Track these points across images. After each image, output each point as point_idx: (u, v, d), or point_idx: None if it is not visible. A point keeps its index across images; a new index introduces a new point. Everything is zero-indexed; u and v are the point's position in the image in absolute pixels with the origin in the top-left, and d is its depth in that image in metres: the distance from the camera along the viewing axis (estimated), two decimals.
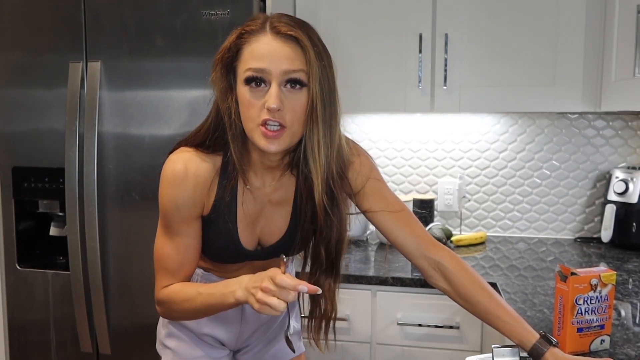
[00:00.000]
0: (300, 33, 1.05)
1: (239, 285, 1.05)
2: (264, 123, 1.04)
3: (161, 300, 1.18)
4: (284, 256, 1.04)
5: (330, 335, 1.21)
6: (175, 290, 1.16)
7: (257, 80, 1.04)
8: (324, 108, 1.07)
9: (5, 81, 1.95)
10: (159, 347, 1.38)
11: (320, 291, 1.00)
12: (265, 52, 1.04)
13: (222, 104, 1.10)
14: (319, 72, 1.05)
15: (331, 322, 1.21)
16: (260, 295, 0.98)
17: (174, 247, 1.16)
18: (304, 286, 0.98)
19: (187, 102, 1.81)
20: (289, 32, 1.04)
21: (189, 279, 1.20)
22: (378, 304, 1.82)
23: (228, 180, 1.13)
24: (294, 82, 1.05)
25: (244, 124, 1.08)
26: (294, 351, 1.11)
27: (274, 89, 1.03)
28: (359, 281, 1.80)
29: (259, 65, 1.04)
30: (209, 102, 1.16)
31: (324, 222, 1.13)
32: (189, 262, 1.17)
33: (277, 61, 1.03)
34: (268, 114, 1.03)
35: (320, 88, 1.05)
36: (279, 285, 0.97)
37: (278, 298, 0.97)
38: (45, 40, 1.90)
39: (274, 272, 0.99)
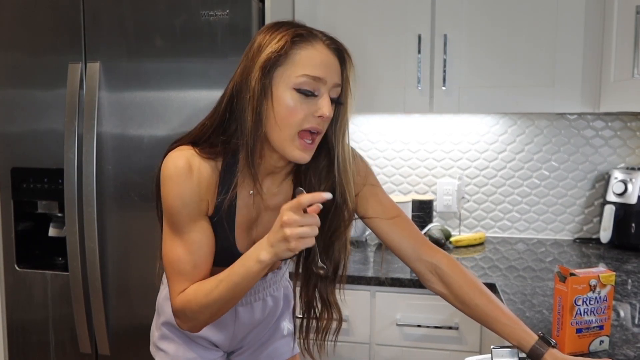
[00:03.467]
0: (345, 49, 1.11)
1: (260, 249, 1.01)
2: (307, 130, 1.06)
3: (178, 307, 1.10)
4: (301, 189, 1.01)
5: (329, 339, 1.22)
6: (192, 291, 1.09)
7: (309, 89, 1.05)
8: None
9: (4, 82, 1.95)
10: (152, 349, 1.37)
11: (330, 195, 0.99)
12: (325, 61, 1.06)
13: (258, 106, 1.06)
14: (354, 88, 1.11)
15: (337, 326, 1.21)
16: (288, 231, 0.95)
17: (184, 247, 1.10)
18: (323, 195, 0.97)
19: (186, 103, 1.81)
20: (340, 47, 1.10)
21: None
22: (377, 305, 1.82)
23: (230, 184, 1.11)
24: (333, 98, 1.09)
25: (282, 130, 1.06)
26: (323, 269, 1.06)
27: (326, 99, 1.06)
28: (357, 282, 1.80)
29: (319, 74, 1.05)
30: (210, 103, 1.15)
31: (348, 228, 1.16)
32: (203, 262, 1.11)
33: (331, 73, 1.07)
34: (317, 121, 1.06)
35: (351, 103, 1.12)
36: (299, 207, 0.96)
37: (306, 225, 0.95)
38: (45, 41, 1.90)
39: (286, 205, 0.98)
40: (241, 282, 1.04)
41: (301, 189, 1.01)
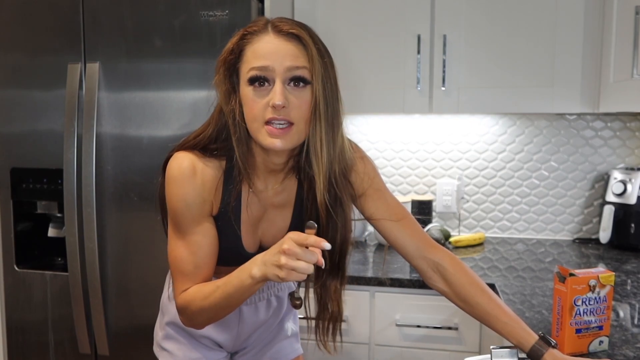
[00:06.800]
0: (301, 31, 1.06)
1: (254, 264, 1.01)
2: (270, 122, 1.03)
3: (180, 306, 1.13)
4: (313, 222, 0.99)
5: (337, 337, 1.21)
6: (193, 292, 1.11)
7: (260, 80, 1.04)
8: (326, 106, 1.06)
9: (3, 82, 1.95)
10: (156, 349, 1.37)
11: (329, 246, 0.96)
12: (268, 50, 1.04)
13: (225, 106, 1.09)
14: (321, 69, 1.06)
15: (337, 323, 1.20)
16: (284, 259, 0.94)
17: (186, 248, 1.12)
18: (326, 242, 0.95)
19: (185, 103, 1.81)
20: (290, 30, 1.05)
21: (207, 280, 1.15)
22: (376, 305, 1.82)
23: (233, 184, 1.12)
24: (297, 80, 1.05)
25: (249, 125, 1.07)
26: (297, 308, 1.07)
27: (278, 86, 1.03)
28: (357, 282, 1.80)
29: (263, 63, 1.04)
30: (210, 105, 1.15)
31: (325, 222, 1.12)
32: (204, 263, 1.13)
33: (281, 58, 1.04)
34: (273, 112, 1.03)
35: (322, 85, 1.05)
36: (303, 244, 0.95)
37: (304, 260, 0.94)
38: (44, 41, 1.90)
39: (293, 234, 0.96)
40: (235, 293, 1.05)
41: (312, 222, 1.00)
